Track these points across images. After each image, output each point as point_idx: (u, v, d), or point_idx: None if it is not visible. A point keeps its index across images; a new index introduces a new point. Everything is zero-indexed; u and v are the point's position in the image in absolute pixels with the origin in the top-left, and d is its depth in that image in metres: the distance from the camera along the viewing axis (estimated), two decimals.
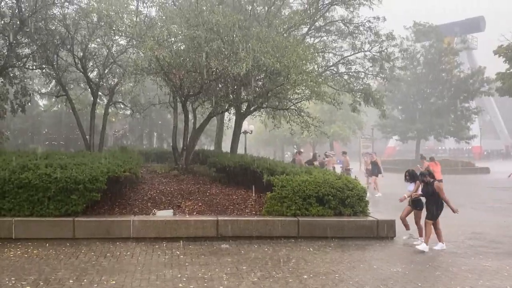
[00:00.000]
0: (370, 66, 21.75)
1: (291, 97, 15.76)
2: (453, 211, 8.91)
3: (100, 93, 19.28)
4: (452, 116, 40.68)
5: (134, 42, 14.10)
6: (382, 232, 9.76)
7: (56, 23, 15.66)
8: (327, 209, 9.92)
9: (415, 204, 9.67)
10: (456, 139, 42.48)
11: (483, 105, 55.26)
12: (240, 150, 22.92)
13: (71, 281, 6.43)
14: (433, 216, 8.98)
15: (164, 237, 9.15)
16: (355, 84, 21.11)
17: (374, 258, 8.14)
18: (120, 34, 14.54)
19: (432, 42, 41.09)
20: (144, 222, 9.29)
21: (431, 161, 18.55)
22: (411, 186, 9.95)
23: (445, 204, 9.02)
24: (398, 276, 6.97)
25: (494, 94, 35.23)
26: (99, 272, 6.89)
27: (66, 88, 17.61)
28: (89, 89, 17.67)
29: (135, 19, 13.33)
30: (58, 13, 15.63)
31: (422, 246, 8.77)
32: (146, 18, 14.07)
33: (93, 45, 16.97)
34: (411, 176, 10.04)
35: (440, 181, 17.43)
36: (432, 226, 8.99)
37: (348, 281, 6.66)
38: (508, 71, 26.15)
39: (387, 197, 17.80)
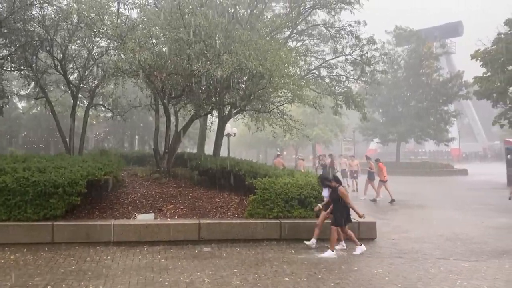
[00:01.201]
0: (351, 70, 22.03)
1: (274, 100, 15.81)
2: (359, 216, 8.74)
3: (80, 95, 18.98)
4: (431, 119, 41.38)
5: (115, 44, 13.95)
6: (364, 234, 9.85)
7: (35, 24, 15.38)
8: (309, 211, 9.97)
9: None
10: (436, 142, 43.22)
11: (462, 109, 56.52)
12: (223, 153, 22.87)
13: (49, 287, 6.32)
14: (337, 222, 8.68)
15: (145, 241, 9.06)
16: (336, 88, 21.35)
17: (355, 260, 8.21)
18: (100, 35, 14.36)
19: (412, 46, 41.79)
20: (124, 226, 9.18)
21: (377, 163, 18.92)
22: (325, 192, 9.45)
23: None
24: (378, 277, 7.05)
25: (472, 97, 35.96)
26: (78, 277, 6.79)
27: (46, 90, 17.29)
28: (69, 91, 17.37)
29: (116, 21, 13.19)
30: (37, 14, 15.36)
31: (328, 253, 8.42)
32: (127, 20, 13.93)
33: (73, 46, 16.72)
34: (323, 181, 9.47)
35: (385, 182, 17.83)
36: (340, 232, 8.81)
37: (329, 283, 6.70)
38: (485, 75, 26.71)
39: (367, 199, 17.98)
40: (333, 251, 8.52)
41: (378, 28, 37.69)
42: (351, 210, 8.82)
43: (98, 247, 8.76)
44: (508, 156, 27.38)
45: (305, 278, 6.96)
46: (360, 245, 8.76)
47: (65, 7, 14.59)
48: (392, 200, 17.22)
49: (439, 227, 11.55)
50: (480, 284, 6.66)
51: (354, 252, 8.64)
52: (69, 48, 16.23)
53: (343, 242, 9.12)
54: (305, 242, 9.16)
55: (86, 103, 19.61)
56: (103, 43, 16.21)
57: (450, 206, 16.23)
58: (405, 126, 40.53)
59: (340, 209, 8.72)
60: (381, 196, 17.82)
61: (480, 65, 27.04)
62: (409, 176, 35.13)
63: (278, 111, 16.16)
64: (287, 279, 6.89)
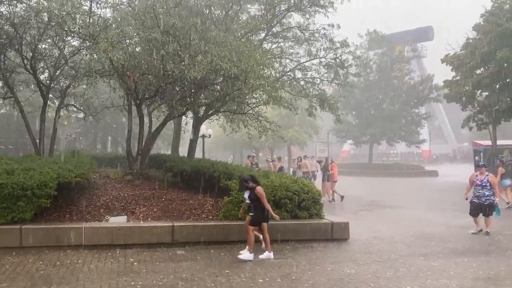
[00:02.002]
0: (325, 73, 22.28)
1: (249, 102, 15.82)
2: (274, 218, 8.55)
3: (51, 95, 18.53)
4: (403, 121, 42.28)
5: (87, 44, 13.69)
6: (337, 234, 9.97)
7: (3, 21, 14.93)
8: (284, 212, 10.01)
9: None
10: (407, 143, 44.20)
11: (432, 111, 57.88)
12: (198, 154, 22.74)
13: None
14: (255, 222, 8.45)
15: (117, 244, 8.91)
16: (311, 90, 21.54)
17: (328, 261, 8.29)
18: (72, 35, 14.07)
19: (384, 50, 42.60)
20: (96, 229, 9.01)
21: (332, 163, 19.41)
22: (246, 194, 8.91)
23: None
24: (351, 277, 7.14)
25: (442, 100, 36.92)
26: (47, 282, 6.61)
27: (14, 89, 16.80)
28: (39, 91, 16.92)
29: (88, 20, 12.93)
30: (5, 11, 14.92)
31: (246, 255, 8.21)
32: (100, 19, 13.69)
33: (43, 45, 16.30)
34: (241, 183, 9.12)
35: (335, 182, 18.38)
36: (265, 237, 8.53)
37: (303, 284, 6.74)
38: (454, 79, 27.46)
39: (339, 200, 18.19)
40: (270, 252, 8.41)
41: (353, 30, 38.33)
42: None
43: (68, 251, 8.56)
44: (476, 157, 28.27)
45: (279, 279, 6.98)
46: (252, 253, 8.28)
47: (35, 4, 14.21)
48: (332, 200, 17.89)
49: (410, 227, 11.80)
50: (449, 283, 6.83)
51: (240, 256, 8.22)
52: (39, 46, 15.81)
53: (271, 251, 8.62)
54: (239, 256, 8.53)
55: (57, 104, 19.17)
56: (75, 42, 15.89)
57: (420, 206, 16.60)
58: (377, 128, 41.28)
59: (258, 208, 8.49)
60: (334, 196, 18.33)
61: (450, 69, 27.80)
62: (381, 177, 35.81)
63: (254, 113, 16.17)
64: (261, 280, 6.90)
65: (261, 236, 8.74)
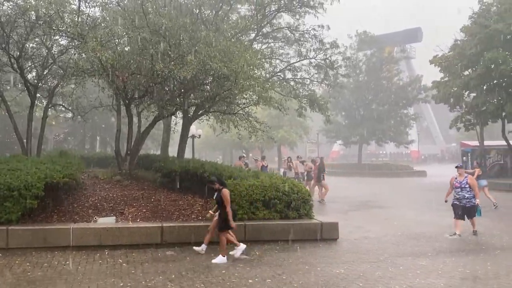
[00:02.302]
0: (315, 73, 22.37)
1: (239, 102, 15.82)
2: (231, 227, 8.19)
3: (38, 94, 18.33)
4: (392, 122, 42.59)
5: (76, 43, 13.56)
6: (326, 234, 9.99)
7: None
8: (273, 212, 10.02)
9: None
10: (396, 144, 44.53)
11: (421, 112, 58.51)
12: (188, 155, 22.65)
13: None
14: (223, 226, 8.19)
15: (106, 245, 8.84)
16: (301, 90, 21.61)
17: (318, 260, 8.31)
18: (60, 33, 13.93)
19: (373, 51, 42.88)
20: (84, 230, 8.93)
21: (312, 163, 19.56)
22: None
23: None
24: (340, 277, 7.16)
25: (430, 101, 37.26)
26: (34, 284, 6.54)
27: (1, 89, 16.58)
28: (26, 91, 16.71)
29: (76, 19, 12.82)
30: None
31: (218, 259, 8.02)
32: (89, 18, 13.58)
33: (31, 44, 16.11)
34: (209, 184, 8.84)
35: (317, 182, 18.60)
36: (227, 236, 8.27)
37: (292, 284, 6.75)
38: (442, 80, 27.74)
39: (329, 200, 18.25)
40: (224, 256, 8.08)
41: (343, 30, 38.51)
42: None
43: (56, 252, 8.47)
44: (464, 158, 28.57)
45: (269, 279, 6.98)
46: (225, 256, 8.09)
47: (22, 3, 14.04)
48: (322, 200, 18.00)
49: (399, 227, 11.87)
50: (437, 282, 6.89)
51: (214, 260, 8.03)
52: (27, 45, 15.63)
53: (240, 244, 8.54)
54: (194, 248, 8.66)
55: (44, 103, 18.97)
56: (63, 42, 15.73)
57: (409, 206, 16.72)
58: (366, 129, 41.54)
59: (224, 212, 8.19)
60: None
61: (439, 71, 28.07)
62: (371, 177, 36.02)
63: (244, 113, 16.17)
64: (251, 281, 6.89)
65: None
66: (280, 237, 9.70)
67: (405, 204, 17.26)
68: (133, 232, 9.10)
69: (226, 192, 8.25)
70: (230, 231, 8.37)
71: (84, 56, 12.35)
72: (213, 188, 8.52)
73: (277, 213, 10.04)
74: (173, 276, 7.11)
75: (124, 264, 7.80)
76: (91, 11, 14.15)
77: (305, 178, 19.59)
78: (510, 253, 8.92)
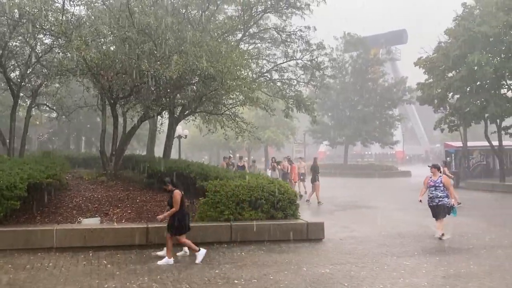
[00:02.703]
0: (302, 74, 22.48)
1: (226, 102, 15.80)
2: (157, 219, 8.12)
3: (22, 94, 18.07)
4: (377, 123, 42.96)
5: (60, 42, 13.40)
6: (312, 234, 10.04)
7: None
8: (260, 213, 10.03)
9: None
10: (381, 145, 44.91)
11: (405, 113, 59.19)
12: (174, 155, 22.54)
13: None
14: (176, 230, 8.00)
15: (90, 246, 8.74)
16: (287, 91, 21.69)
17: (304, 260, 8.34)
18: (44, 32, 13.75)
19: (359, 52, 43.21)
20: (68, 231, 8.82)
21: (292, 163, 19.70)
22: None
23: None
24: (325, 277, 7.20)
25: (415, 102, 37.69)
26: (17, 286, 6.43)
27: None
28: (9, 90, 16.45)
29: (61, 17, 12.66)
30: None
31: (164, 261, 7.84)
32: (73, 17, 13.42)
33: (14, 43, 15.86)
34: (161, 185, 8.57)
35: (295, 182, 19.08)
36: (184, 239, 8.16)
37: (278, 284, 6.76)
38: (427, 82, 28.05)
39: (315, 200, 18.33)
40: (170, 258, 7.90)
41: (329, 31, 38.74)
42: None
43: (39, 254, 8.35)
44: (448, 158, 28.95)
45: (255, 279, 6.98)
46: (199, 250, 8.07)
47: (5, 0, 13.83)
48: (308, 200, 18.19)
49: (384, 227, 11.98)
50: (421, 281, 6.97)
51: (159, 262, 7.86)
52: (10, 44, 15.39)
53: (186, 248, 8.46)
54: (177, 254, 8.46)
55: (28, 103, 18.70)
56: (47, 40, 15.53)
57: (394, 206, 16.89)
58: (352, 130, 41.84)
59: (176, 214, 8.01)
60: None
61: (423, 72, 28.38)
62: (356, 177, 36.28)
63: (230, 113, 16.17)
64: (236, 281, 6.89)
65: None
66: (266, 237, 9.71)
67: (390, 204, 17.42)
68: (118, 232, 9.02)
69: (177, 193, 8.03)
70: (171, 243, 8.08)
71: (69, 55, 12.21)
72: (165, 189, 8.37)
73: (263, 213, 10.06)
74: (159, 277, 7.06)
75: (109, 265, 7.72)
76: (76, 10, 14.00)
77: (316, 179, 19.35)
78: (492, 252, 9.06)
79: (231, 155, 32.70)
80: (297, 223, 10.17)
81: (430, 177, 10.92)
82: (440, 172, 11.13)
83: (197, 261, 7.99)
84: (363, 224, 12.55)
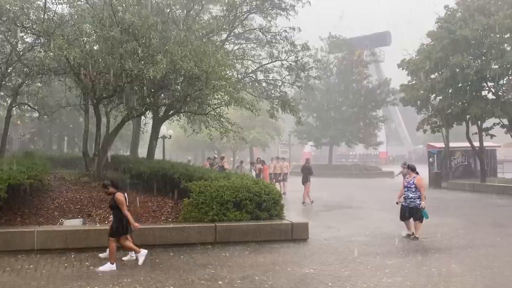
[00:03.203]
0: (287, 75, 22.55)
1: (210, 102, 15.75)
2: (133, 227, 7.74)
3: (2, 93, 17.77)
4: (361, 124, 43.32)
5: (42, 40, 13.20)
6: (297, 235, 10.06)
7: None
8: (244, 213, 10.01)
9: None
10: (365, 145, 45.31)
11: (389, 114, 59.79)
12: (159, 156, 22.38)
13: None
14: (114, 233, 7.67)
15: (72, 247, 8.62)
16: (272, 92, 21.75)
17: (288, 261, 8.35)
18: (25, 31, 13.53)
19: (344, 54, 43.53)
20: (49, 233, 8.68)
21: (263, 164, 19.79)
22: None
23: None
24: (310, 277, 7.23)
25: (398, 104, 38.06)
26: None
27: None
28: None
29: (43, 16, 12.48)
30: None
31: (107, 266, 7.48)
32: (56, 16, 13.23)
33: None
34: (103, 187, 8.21)
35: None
36: (126, 242, 7.86)
37: (263, 285, 6.76)
38: (410, 83, 28.38)
39: (300, 200, 18.39)
40: (112, 263, 7.53)
41: (314, 32, 38.96)
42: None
43: (20, 256, 8.20)
44: (430, 159, 29.36)
45: (239, 280, 6.97)
46: (113, 264, 7.56)
47: None
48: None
49: (368, 227, 12.08)
50: (403, 281, 7.04)
51: (100, 268, 7.50)
52: None
53: (132, 252, 8.11)
54: (123, 258, 8.13)
55: (9, 102, 18.37)
56: (29, 39, 15.29)
57: (378, 206, 17.04)
58: (337, 130, 42.12)
59: (118, 217, 7.70)
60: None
61: (406, 74, 28.72)
62: (341, 178, 36.49)
63: (215, 114, 16.11)
64: (220, 282, 6.86)
65: None
66: (251, 238, 9.70)
67: (374, 204, 17.57)
68: (101, 234, 8.85)
69: (119, 195, 7.69)
70: (128, 237, 7.91)
71: (51, 54, 12.02)
72: (106, 192, 8.08)
73: (248, 214, 10.04)
74: (142, 278, 7.00)
75: (91, 267, 7.62)
76: (58, 8, 13.81)
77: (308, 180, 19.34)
78: (472, 251, 9.22)
79: (216, 156, 32.61)
80: (281, 224, 10.18)
81: (406, 178, 10.85)
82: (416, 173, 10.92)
83: (100, 268, 7.47)
84: (347, 224, 12.63)
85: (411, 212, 10.42)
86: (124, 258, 8.13)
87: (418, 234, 10.33)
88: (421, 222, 10.40)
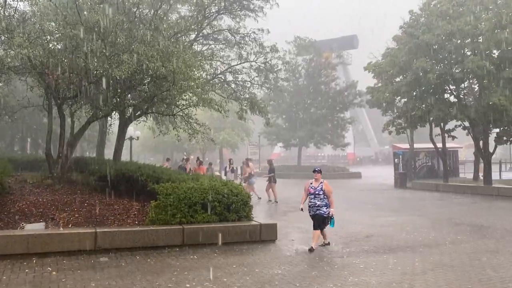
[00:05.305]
0: (256, 76, 22.63)
1: (179, 103, 15.57)
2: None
3: None
4: (329, 125, 43.90)
5: (2, 38, 12.71)
6: (265, 236, 10.09)
7: None
8: (213, 215, 9.95)
9: None
10: (333, 146, 45.94)
11: (356, 116, 60.84)
12: (126, 157, 21.95)
13: None
14: None
15: (34, 252, 8.32)
16: (241, 93, 21.75)
17: (256, 262, 8.36)
18: None
19: (312, 56, 44.02)
20: (9, 237, 8.35)
21: (201, 165, 20.57)
22: None
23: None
24: (277, 278, 7.25)
25: (365, 106, 38.82)
26: None
27: None
28: None
29: (2, 13, 12.02)
30: None
31: None
32: (17, 13, 12.77)
33: None
34: None
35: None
36: None
37: (231, 286, 6.74)
38: (376, 86, 29.03)
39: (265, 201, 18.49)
40: None
41: (283, 33, 39.20)
42: None
43: None
44: (396, 160, 30.09)
45: (207, 282, 6.91)
46: None
47: None
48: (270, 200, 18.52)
49: (336, 227, 12.22)
50: (369, 279, 7.17)
51: None
52: None
53: None
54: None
55: None
56: None
57: (346, 206, 17.28)
58: (305, 132, 42.51)
59: None
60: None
61: (372, 77, 29.35)
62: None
63: (183, 114, 15.93)
64: (188, 285, 6.79)
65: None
66: (220, 240, 9.63)
67: (340, 204, 17.75)
68: (64, 238, 8.65)
69: None
70: None
71: (12, 52, 11.59)
72: None
73: (216, 215, 9.99)
74: (107, 282, 6.84)
75: (54, 272, 7.39)
76: (19, 5, 13.34)
77: (272, 180, 19.43)
78: (435, 249, 9.49)
79: (185, 156, 32.34)
80: (250, 225, 10.18)
81: (311, 183, 9.97)
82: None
83: None
84: None
85: (317, 221, 9.53)
86: None
87: (315, 244, 9.39)
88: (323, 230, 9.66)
